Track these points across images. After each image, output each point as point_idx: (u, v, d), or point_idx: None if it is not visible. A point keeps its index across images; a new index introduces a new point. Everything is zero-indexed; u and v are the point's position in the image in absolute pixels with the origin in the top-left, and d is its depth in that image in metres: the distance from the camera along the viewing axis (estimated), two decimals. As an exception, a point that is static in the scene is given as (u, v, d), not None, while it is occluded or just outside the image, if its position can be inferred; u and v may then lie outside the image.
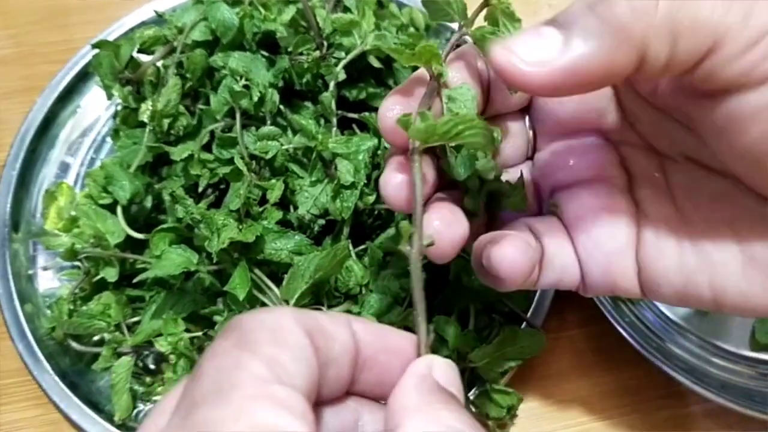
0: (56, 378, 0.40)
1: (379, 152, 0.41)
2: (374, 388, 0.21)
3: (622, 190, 0.28)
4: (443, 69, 0.26)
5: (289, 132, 0.42)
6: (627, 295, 0.28)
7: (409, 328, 0.40)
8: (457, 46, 0.27)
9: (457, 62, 0.27)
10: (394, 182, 0.25)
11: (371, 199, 0.41)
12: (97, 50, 0.43)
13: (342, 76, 0.41)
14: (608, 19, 0.21)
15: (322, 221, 0.41)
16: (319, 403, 0.20)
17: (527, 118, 0.30)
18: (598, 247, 0.28)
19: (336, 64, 0.41)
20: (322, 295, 0.39)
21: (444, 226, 0.25)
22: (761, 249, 0.25)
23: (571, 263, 0.28)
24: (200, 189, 0.41)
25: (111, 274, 0.40)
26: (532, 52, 0.22)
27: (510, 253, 0.26)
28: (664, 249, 0.27)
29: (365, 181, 0.40)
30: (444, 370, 0.21)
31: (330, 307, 0.39)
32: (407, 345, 0.22)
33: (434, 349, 0.22)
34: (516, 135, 0.30)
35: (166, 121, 0.42)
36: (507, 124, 0.30)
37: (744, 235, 0.25)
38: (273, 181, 0.41)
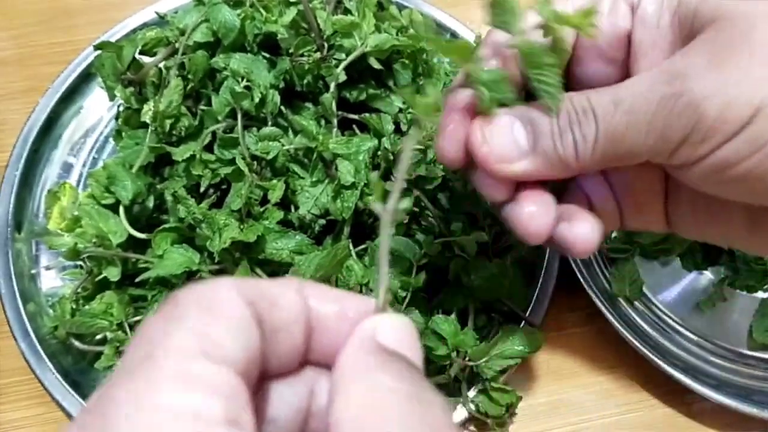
0: (58, 377, 0.40)
1: (379, 153, 0.41)
2: (330, 357, 0.20)
3: None
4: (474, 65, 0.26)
5: (290, 133, 0.43)
6: (658, 231, 0.32)
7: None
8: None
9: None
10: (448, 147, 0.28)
11: (371, 199, 0.41)
12: (99, 51, 0.43)
13: (342, 77, 0.41)
14: (559, 155, 0.26)
15: (322, 221, 0.41)
16: (271, 375, 0.19)
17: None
18: (635, 196, 0.30)
19: (336, 66, 0.41)
20: (322, 294, 0.39)
21: (539, 210, 0.27)
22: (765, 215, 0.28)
23: (612, 209, 0.31)
24: (202, 189, 0.41)
25: (113, 273, 0.40)
26: (500, 146, 0.26)
27: (582, 232, 0.28)
28: (683, 203, 0.30)
29: (365, 182, 0.40)
30: (392, 329, 0.19)
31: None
32: (364, 308, 0.20)
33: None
34: None
35: (168, 122, 0.42)
36: None
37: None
38: (274, 181, 0.41)
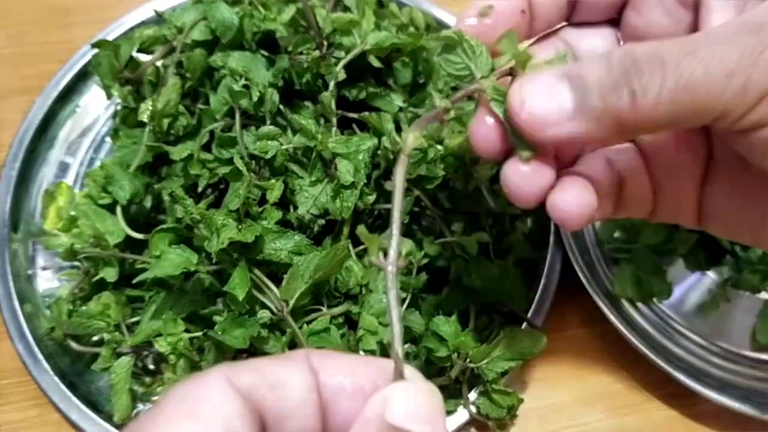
0: (55, 378, 0.40)
1: (378, 152, 0.41)
2: None
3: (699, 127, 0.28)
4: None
5: (289, 132, 0.42)
6: (685, 225, 0.31)
7: (408, 327, 0.40)
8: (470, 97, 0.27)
9: None
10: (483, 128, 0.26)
11: (371, 198, 0.40)
12: (96, 50, 0.43)
13: (342, 75, 0.41)
14: (611, 112, 0.23)
15: (321, 221, 0.41)
16: None
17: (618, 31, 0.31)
18: (672, 179, 0.29)
19: (336, 64, 0.41)
20: (321, 295, 0.39)
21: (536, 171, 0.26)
22: None
23: (646, 194, 0.29)
24: (200, 189, 0.41)
25: (110, 274, 0.40)
26: (541, 110, 0.23)
27: (567, 199, 0.26)
28: (721, 193, 0.28)
29: (365, 181, 0.40)
30: (403, 403, 0.17)
31: (330, 307, 0.39)
32: (381, 377, 0.19)
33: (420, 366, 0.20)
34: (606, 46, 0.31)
35: (165, 121, 0.41)
36: (595, 36, 0.31)
37: None
38: (273, 180, 0.41)
